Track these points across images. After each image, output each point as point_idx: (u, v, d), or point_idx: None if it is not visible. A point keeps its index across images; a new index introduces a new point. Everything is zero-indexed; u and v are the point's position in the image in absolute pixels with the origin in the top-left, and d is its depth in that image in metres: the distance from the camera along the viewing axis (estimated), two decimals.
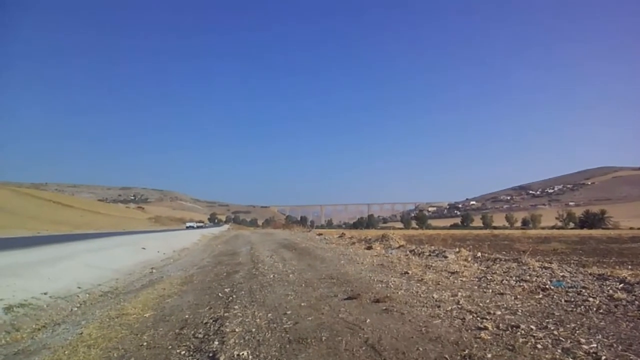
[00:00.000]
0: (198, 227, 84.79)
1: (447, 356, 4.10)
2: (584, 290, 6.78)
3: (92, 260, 14.18)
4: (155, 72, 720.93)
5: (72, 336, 6.02)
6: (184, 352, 4.91)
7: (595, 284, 7.30)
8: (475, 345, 4.34)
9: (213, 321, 6.26)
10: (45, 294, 9.25)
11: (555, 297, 6.54)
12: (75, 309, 8.67)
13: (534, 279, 8.00)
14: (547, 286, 7.25)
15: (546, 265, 9.70)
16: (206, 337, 5.44)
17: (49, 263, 12.15)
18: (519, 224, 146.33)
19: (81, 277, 11.47)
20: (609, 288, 6.87)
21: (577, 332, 4.63)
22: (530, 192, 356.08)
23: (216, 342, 5.05)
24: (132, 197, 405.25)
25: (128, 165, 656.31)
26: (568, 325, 4.89)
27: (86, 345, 5.40)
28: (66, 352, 5.17)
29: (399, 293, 7.45)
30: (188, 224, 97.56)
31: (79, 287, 10.42)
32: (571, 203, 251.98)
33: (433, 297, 6.91)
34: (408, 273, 9.80)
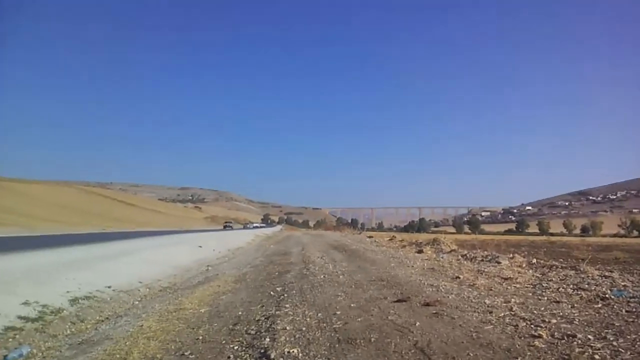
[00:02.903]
0: (258, 227, 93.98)
1: None
2: None
3: (153, 257, 14.87)
4: (211, 71, 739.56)
5: (133, 328, 6.41)
6: (236, 347, 5.14)
7: None
8: (529, 354, 4.27)
9: (265, 319, 6.47)
10: (109, 287, 9.80)
11: (615, 307, 6.28)
12: (137, 302, 9.15)
13: (593, 288, 7.71)
14: (607, 295, 6.96)
15: (606, 274, 9.32)
16: (258, 333, 5.64)
17: (113, 258, 12.87)
18: (577, 230, 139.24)
19: (142, 272, 12.07)
20: None
21: (638, 343, 4.45)
22: (591, 197, 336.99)
23: (267, 339, 5.23)
24: (190, 197, 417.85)
25: (187, 166, 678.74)
26: (628, 337, 4.71)
27: (146, 337, 5.75)
28: (127, 343, 5.53)
29: (450, 297, 7.38)
30: (254, 224, 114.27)
31: (140, 282, 10.97)
32: (635, 210, 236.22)
33: (485, 303, 6.81)
34: (459, 278, 9.66)
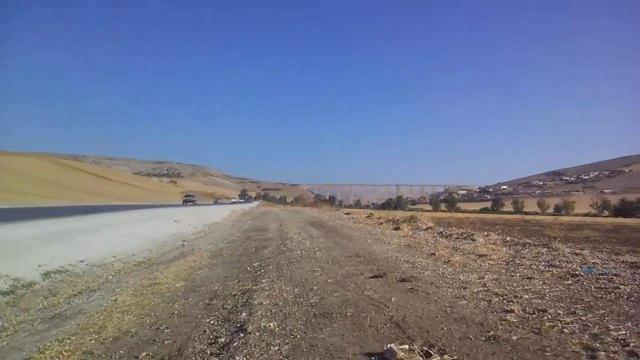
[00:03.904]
0: (235, 203, 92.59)
1: (471, 336, 4.13)
2: (615, 278, 6.64)
3: (127, 231, 14.66)
4: (187, 48, 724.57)
5: (107, 302, 6.33)
6: (213, 321, 5.12)
7: (628, 271, 7.13)
8: (501, 327, 4.35)
9: (242, 293, 6.46)
10: (82, 261, 9.63)
11: (585, 283, 6.43)
12: (110, 277, 9.04)
13: (564, 265, 7.88)
14: (577, 272, 7.12)
15: (577, 251, 9.54)
16: (235, 308, 5.64)
17: (86, 232, 12.63)
18: (551, 210, 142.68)
19: (116, 246, 11.89)
20: None
21: (606, 318, 4.57)
22: (564, 178, 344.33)
23: (244, 314, 5.23)
24: (166, 171, 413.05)
25: (162, 140, 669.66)
26: (597, 312, 4.83)
27: (120, 312, 5.69)
28: (101, 318, 5.45)
29: (425, 273, 7.47)
30: (232, 200, 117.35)
31: (114, 256, 10.81)
32: (607, 190, 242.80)
33: (459, 279, 6.91)
34: (435, 254, 9.79)
